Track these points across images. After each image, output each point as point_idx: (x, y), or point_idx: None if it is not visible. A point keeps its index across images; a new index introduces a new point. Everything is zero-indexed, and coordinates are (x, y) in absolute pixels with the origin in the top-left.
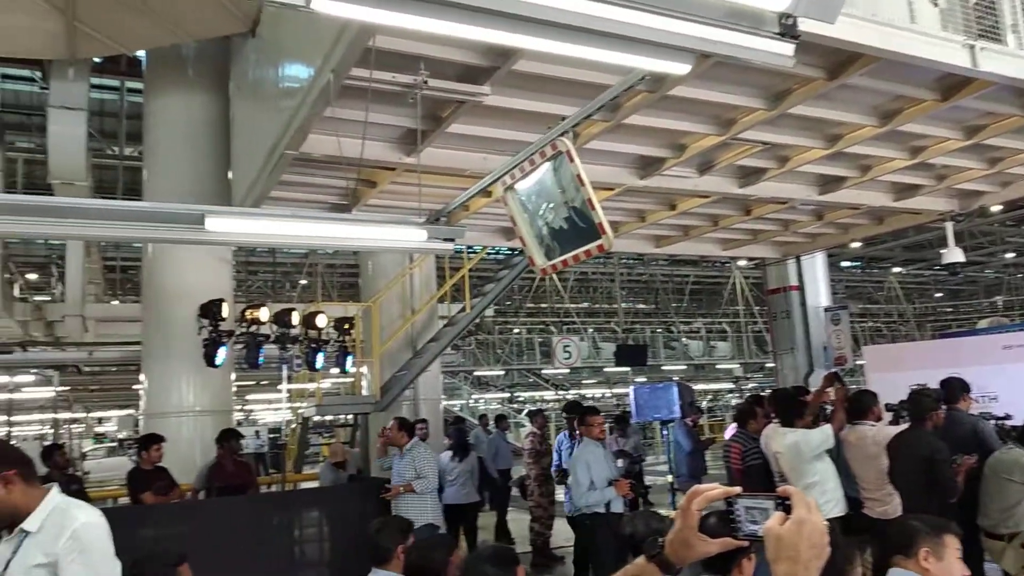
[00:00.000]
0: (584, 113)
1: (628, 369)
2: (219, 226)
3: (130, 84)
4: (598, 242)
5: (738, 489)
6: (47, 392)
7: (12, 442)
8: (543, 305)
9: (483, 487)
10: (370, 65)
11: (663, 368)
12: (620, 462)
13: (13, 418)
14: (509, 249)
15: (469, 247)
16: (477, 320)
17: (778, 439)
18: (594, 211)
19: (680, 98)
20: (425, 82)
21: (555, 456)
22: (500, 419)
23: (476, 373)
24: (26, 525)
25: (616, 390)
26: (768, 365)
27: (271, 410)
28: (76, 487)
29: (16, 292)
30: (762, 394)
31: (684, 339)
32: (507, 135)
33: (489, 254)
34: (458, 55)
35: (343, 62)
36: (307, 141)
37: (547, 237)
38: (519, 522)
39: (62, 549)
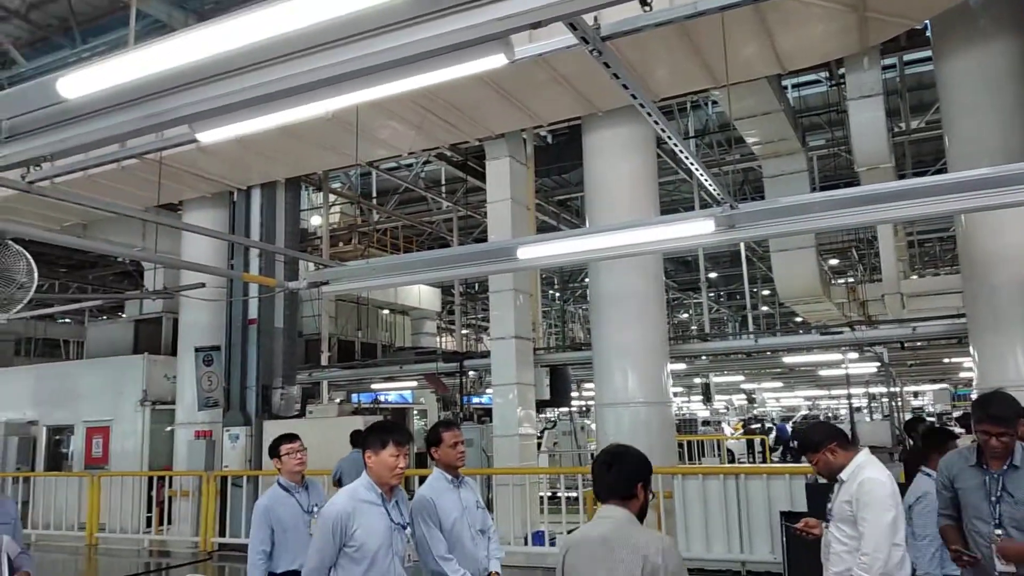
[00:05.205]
0: None
1: None
2: None
3: (906, 57)
4: None
5: None
6: (869, 367)
7: (826, 417)
8: None
9: None
10: None
11: None
12: None
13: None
14: None
15: None
16: None
17: None
18: None
19: None
20: None
21: None
22: None
23: None
24: (842, 475)
25: None
26: None
27: None
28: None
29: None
30: None
31: None
32: None
33: None
34: None
35: None
36: None
37: None
38: None
39: (854, 494)
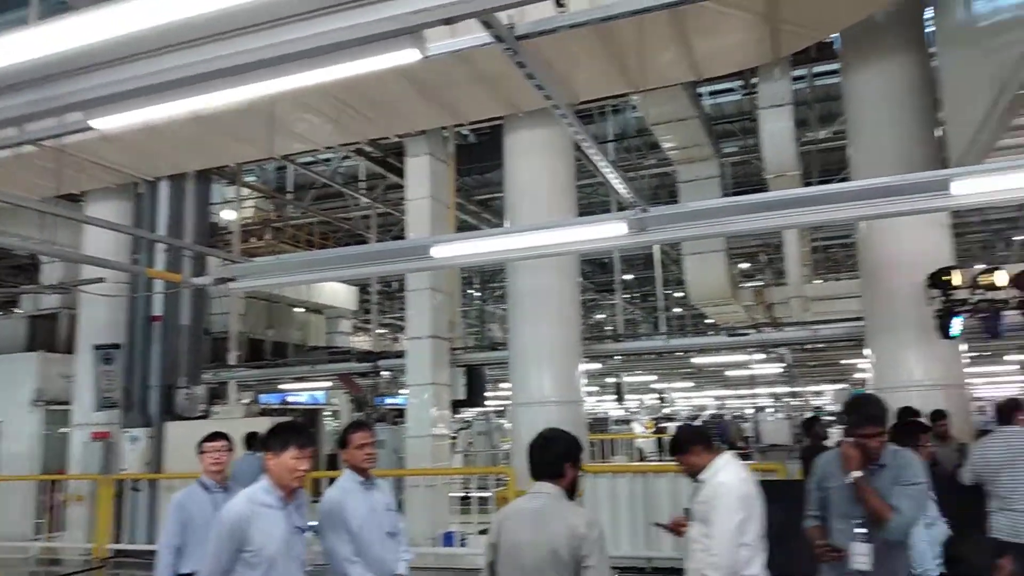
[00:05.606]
0: None
1: None
2: (965, 188)
3: (816, 69)
4: None
5: None
6: (775, 368)
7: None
8: None
9: None
10: None
11: None
12: None
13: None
14: None
15: None
16: None
17: None
18: None
19: None
20: None
21: None
22: None
23: None
24: (701, 476)
25: None
26: None
27: (993, 385)
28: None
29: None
30: None
31: None
32: None
33: None
34: None
35: None
36: None
37: None
38: None
39: (708, 496)
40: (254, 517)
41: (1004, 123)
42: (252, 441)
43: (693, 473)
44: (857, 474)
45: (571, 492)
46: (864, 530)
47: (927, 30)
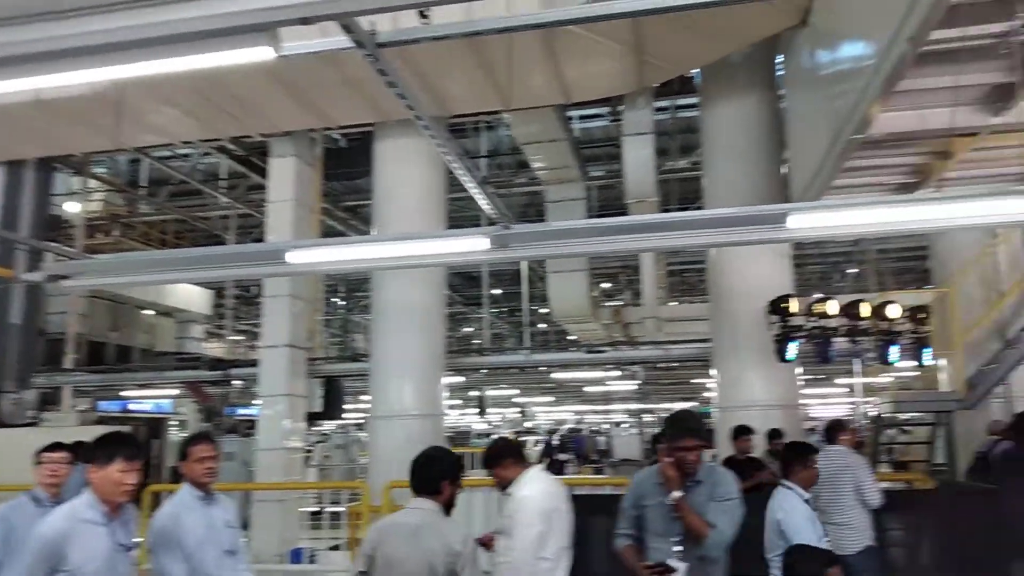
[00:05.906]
0: None
1: None
2: (800, 222)
3: (679, 101)
4: None
5: None
6: (630, 385)
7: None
8: None
9: None
10: (957, 24)
11: None
12: None
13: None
14: None
15: None
16: None
17: None
18: None
19: None
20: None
21: None
22: None
23: None
24: (509, 489)
25: None
26: None
27: (825, 405)
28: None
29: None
30: None
31: None
32: None
33: None
34: None
35: (924, 26)
36: (873, 121)
37: None
38: None
39: (511, 509)
40: (73, 534)
41: (839, 165)
42: (78, 451)
43: (504, 486)
44: (677, 494)
45: (448, 508)
46: (681, 548)
47: (778, 73)
